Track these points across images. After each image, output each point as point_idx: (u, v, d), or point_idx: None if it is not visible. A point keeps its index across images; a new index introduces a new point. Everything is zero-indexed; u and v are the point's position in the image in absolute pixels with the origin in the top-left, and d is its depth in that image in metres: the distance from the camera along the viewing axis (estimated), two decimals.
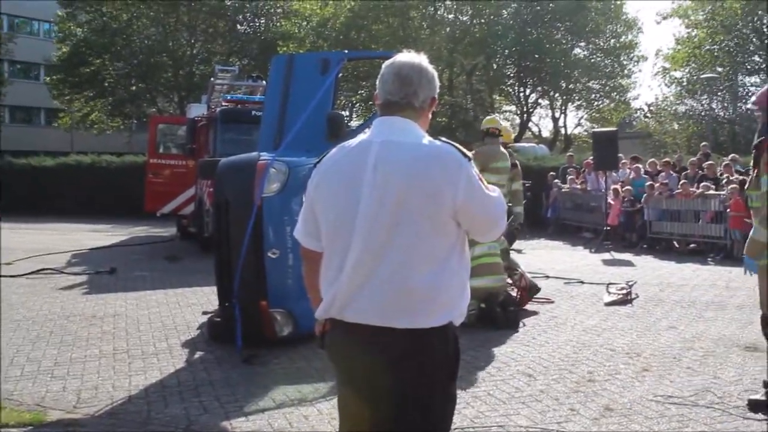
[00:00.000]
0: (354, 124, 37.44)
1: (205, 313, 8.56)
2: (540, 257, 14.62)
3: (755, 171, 5.44)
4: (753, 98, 5.84)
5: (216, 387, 6.11)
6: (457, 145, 2.85)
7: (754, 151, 5.53)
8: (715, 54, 40.13)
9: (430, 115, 3.01)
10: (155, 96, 38.81)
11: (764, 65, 39.06)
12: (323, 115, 7.78)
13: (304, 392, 5.82)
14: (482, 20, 41.48)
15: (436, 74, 2.97)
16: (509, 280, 9.17)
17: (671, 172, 17.80)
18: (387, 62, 2.92)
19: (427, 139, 2.83)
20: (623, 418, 5.24)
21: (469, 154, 2.82)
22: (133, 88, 38.41)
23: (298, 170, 7.19)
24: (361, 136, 2.91)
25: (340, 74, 8.70)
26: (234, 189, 7.57)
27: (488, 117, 10.16)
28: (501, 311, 8.28)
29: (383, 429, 2.84)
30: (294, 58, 8.43)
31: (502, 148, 9.26)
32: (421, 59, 2.93)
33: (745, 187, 6.29)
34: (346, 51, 12.16)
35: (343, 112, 16.53)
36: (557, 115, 46.45)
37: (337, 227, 2.83)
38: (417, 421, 2.81)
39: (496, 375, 6.36)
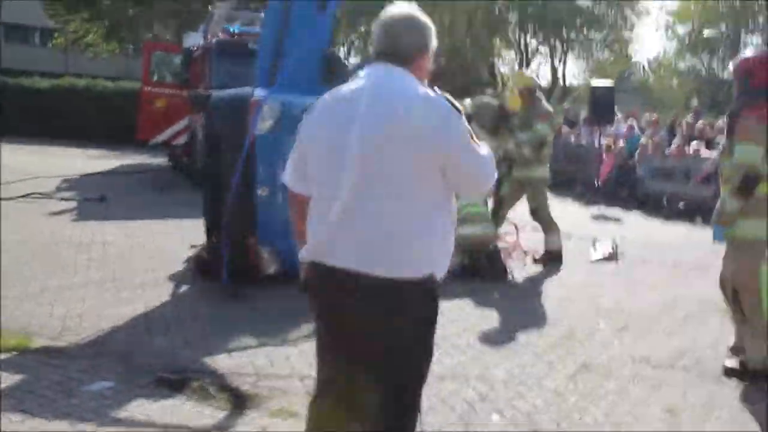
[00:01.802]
0: (352, 61, 37.09)
1: (192, 246, 8.58)
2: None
3: (729, 139, 5.42)
4: (730, 65, 5.78)
5: (200, 322, 6.18)
6: (450, 98, 2.84)
7: (728, 119, 5.53)
8: (721, 11, 39.95)
9: (427, 66, 2.99)
10: (152, 21, 38.11)
11: None
12: (320, 53, 7.71)
13: (287, 332, 5.85)
14: None
15: (429, 25, 2.96)
16: (504, 233, 9.25)
17: (662, 132, 17.73)
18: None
19: (420, 89, 2.83)
20: (599, 377, 5.33)
21: (461, 107, 2.82)
22: (130, 12, 37.69)
23: (292, 109, 7.13)
24: (353, 83, 2.91)
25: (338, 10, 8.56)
26: (226, 124, 7.54)
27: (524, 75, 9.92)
28: (487, 262, 8.27)
29: (357, 375, 2.88)
30: None
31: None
32: (411, 9, 2.94)
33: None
34: None
35: (338, 49, 16.17)
36: (557, 64, 46.14)
37: (325, 173, 2.85)
38: (391, 370, 2.86)
39: (477, 326, 6.42)
